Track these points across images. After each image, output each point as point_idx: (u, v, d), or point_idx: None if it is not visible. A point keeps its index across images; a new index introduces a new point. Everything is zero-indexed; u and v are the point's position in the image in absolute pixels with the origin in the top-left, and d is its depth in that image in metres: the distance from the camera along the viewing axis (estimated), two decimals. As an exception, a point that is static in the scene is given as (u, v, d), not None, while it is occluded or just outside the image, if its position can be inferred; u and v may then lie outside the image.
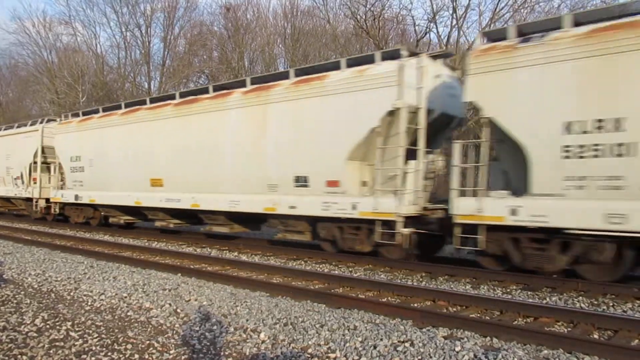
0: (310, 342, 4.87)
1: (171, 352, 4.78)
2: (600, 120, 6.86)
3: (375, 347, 4.61)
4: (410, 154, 9.08)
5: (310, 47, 27.14)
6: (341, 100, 9.46)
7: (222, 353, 4.74)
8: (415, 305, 6.40)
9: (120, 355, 4.68)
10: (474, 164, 8.34)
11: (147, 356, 4.67)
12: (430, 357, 4.38)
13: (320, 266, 9.64)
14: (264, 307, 6.11)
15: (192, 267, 9.11)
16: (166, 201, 12.82)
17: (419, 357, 4.39)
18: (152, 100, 14.12)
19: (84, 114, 16.79)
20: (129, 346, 4.90)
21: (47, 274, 8.45)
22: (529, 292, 7.23)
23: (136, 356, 4.66)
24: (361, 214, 9.15)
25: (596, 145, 6.89)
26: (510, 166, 8.23)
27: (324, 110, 9.72)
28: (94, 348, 4.84)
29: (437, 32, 21.32)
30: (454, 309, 6.30)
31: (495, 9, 20.04)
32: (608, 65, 6.88)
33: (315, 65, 10.99)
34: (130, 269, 8.80)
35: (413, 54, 9.30)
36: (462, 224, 8.10)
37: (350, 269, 9.21)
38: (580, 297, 6.88)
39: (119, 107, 15.21)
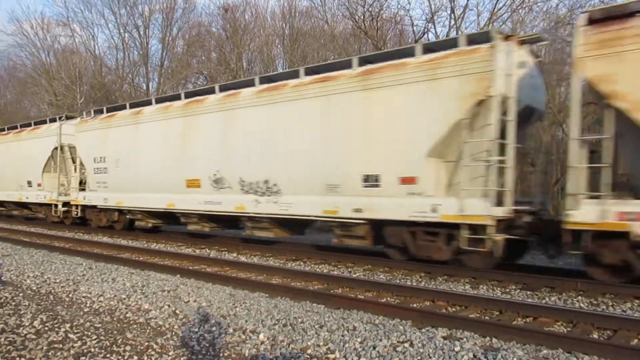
0: (309, 343, 4.87)
1: (170, 353, 4.77)
2: (101, 157, 14.47)
3: (374, 348, 4.61)
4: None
5: (308, 47, 27.10)
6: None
7: (221, 354, 4.74)
8: (415, 305, 6.40)
9: (119, 357, 4.67)
10: None
11: (146, 358, 4.66)
12: (430, 358, 4.38)
13: (320, 267, 9.64)
14: (263, 308, 6.11)
15: (191, 268, 9.10)
16: None
17: (419, 358, 4.39)
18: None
19: None
20: (128, 348, 4.90)
21: (46, 275, 8.44)
22: (528, 292, 7.24)
23: (135, 358, 4.66)
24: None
25: (99, 168, 14.56)
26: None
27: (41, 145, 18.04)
28: (92, 350, 4.83)
29: (436, 32, 21.24)
30: (453, 309, 6.30)
31: (494, 10, 20.03)
32: (104, 134, 14.45)
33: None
34: (129, 271, 8.79)
35: (69, 118, 17.32)
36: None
37: (349, 270, 9.21)
38: (580, 297, 6.88)
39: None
